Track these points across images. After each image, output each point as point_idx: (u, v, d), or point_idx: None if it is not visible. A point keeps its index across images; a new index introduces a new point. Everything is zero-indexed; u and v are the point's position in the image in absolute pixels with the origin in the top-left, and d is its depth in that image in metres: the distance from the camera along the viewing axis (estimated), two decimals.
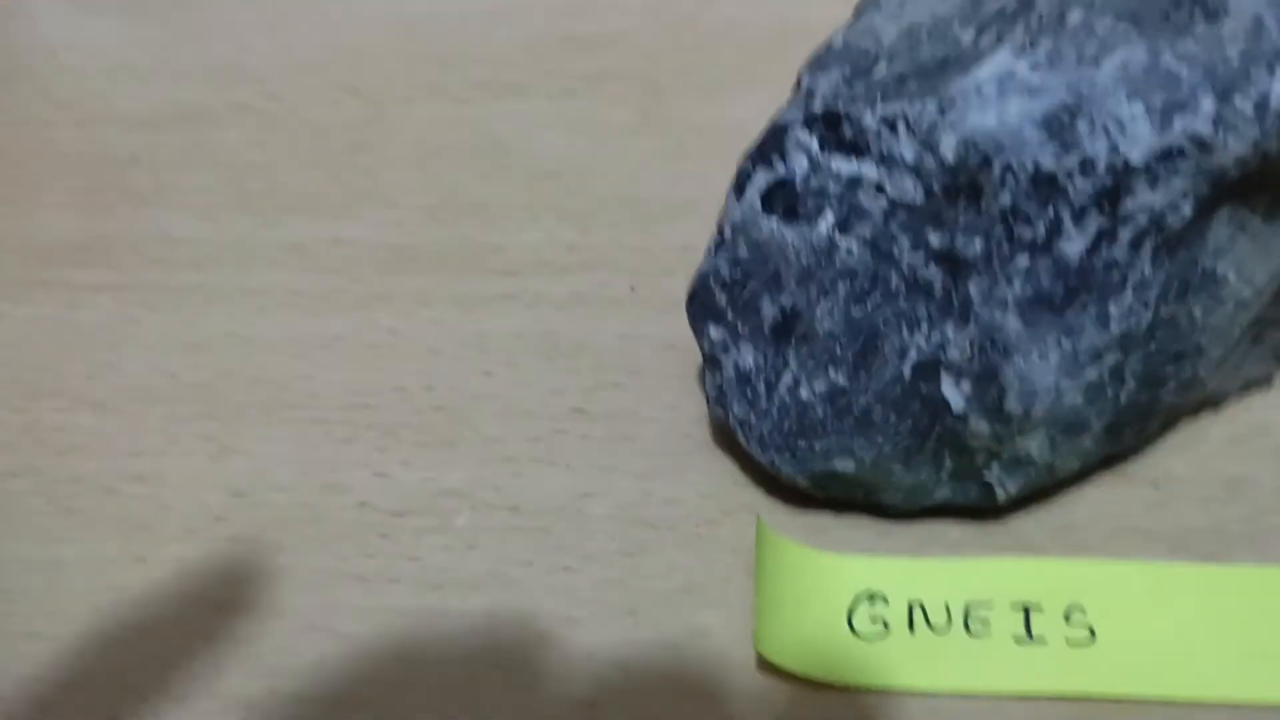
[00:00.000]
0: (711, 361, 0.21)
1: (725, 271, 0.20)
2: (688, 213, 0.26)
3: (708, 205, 0.26)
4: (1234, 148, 0.17)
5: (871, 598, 0.20)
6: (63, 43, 0.33)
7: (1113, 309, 0.18)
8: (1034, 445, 0.19)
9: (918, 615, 0.20)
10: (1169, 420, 0.21)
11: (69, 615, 0.21)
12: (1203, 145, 0.17)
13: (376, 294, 0.26)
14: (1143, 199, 0.17)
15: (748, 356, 0.20)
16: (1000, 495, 0.20)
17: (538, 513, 0.22)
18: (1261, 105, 0.17)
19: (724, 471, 0.22)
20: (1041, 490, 0.21)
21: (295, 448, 0.23)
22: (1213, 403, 0.22)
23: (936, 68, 0.18)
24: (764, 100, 0.29)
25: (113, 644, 0.21)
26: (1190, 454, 0.21)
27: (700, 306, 0.21)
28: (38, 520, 0.23)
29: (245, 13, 0.34)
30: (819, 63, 0.20)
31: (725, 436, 0.22)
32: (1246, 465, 0.21)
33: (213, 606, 0.21)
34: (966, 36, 0.19)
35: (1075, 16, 0.18)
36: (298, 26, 0.33)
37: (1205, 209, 0.17)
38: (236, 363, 0.25)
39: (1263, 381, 0.22)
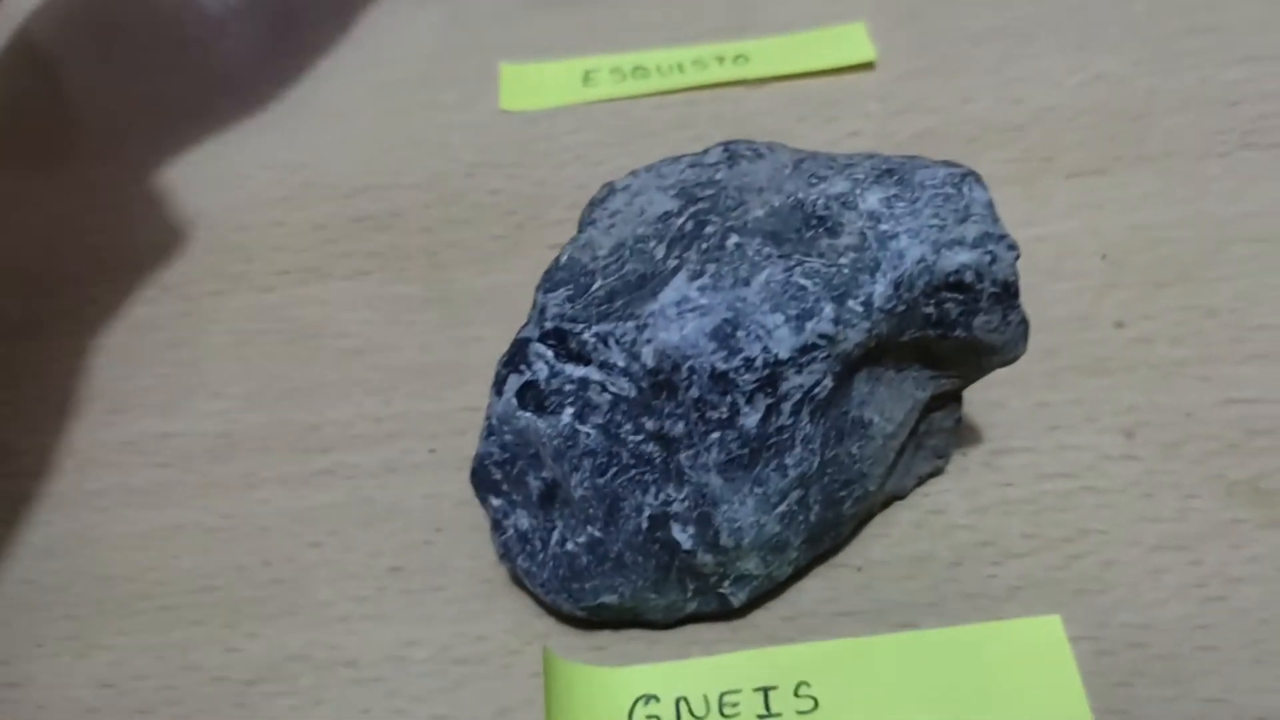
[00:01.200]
0: (496, 524, 0.25)
1: (496, 454, 0.25)
2: (473, 376, 0.31)
3: (487, 367, 0.31)
4: (852, 338, 0.22)
5: (646, 699, 0.25)
6: None
7: (788, 460, 0.23)
8: (750, 564, 0.24)
9: (683, 708, 0.25)
10: (865, 518, 0.27)
11: None
12: (830, 340, 0.22)
13: (209, 482, 0.30)
14: (794, 381, 0.22)
15: (524, 520, 0.25)
16: (734, 602, 0.25)
17: (371, 664, 0.26)
18: (868, 303, 0.22)
19: (521, 607, 0.27)
20: (769, 590, 0.26)
21: (151, 635, 0.27)
22: (899, 496, 0.27)
23: (637, 283, 0.23)
24: (528, 265, 0.34)
25: None
26: (885, 539, 0.27)
27: (480, 481, 0.25)
28: None
29: (45, 217, 0.36)
30: (550, 281, 0.25)
31: (519, 578, 0.27)
32: (926, 544, 0.27)
33: None
34: (659, 253, 0.24)
35: (732, 240, 0.23)
36: (99, 227, 0.36)
37: (844, 377, 0.23)
38: (87, 563, 0.28)
39: (934, 473, 0.28)
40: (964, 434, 0.28)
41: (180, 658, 0.27)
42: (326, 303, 0.33)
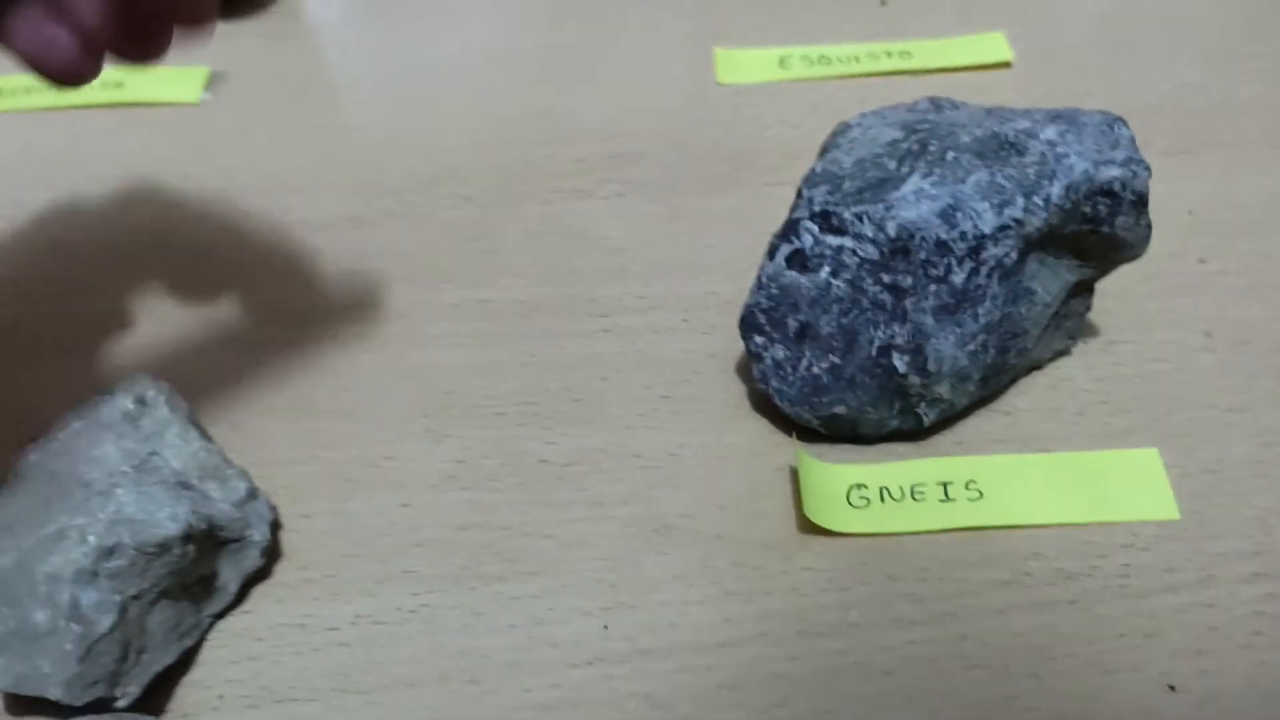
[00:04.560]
0: (756, 357, 0.35)
1: (763, 303, 0.35)
2: (710, 270, 0.41)
3: (721, 265, 0.41)
4: (1034, 224, 0.32)
5: (859, 486, 0.35)
6: (240, 166, 0.46)
7: (980, 310, 0.33)
8: (944, 389, 0.34)
9: (885, 494, 0.34)
10: (1014, 377, 0.37)
11: (365, 541, 0.34)
12: (1019, 223, 0.32)
13: (518, 333, 0.40)
14: (991, 251, 0.32)
15: (780, 352, 0.35)
16: (925, 421, 0.35)
17: (653, 457, 0.36)
18: (1046, 199, 0.32)
19: (762, 427, 0.37)
20: (947, 419, 0.36)
21: (489, 431, 0.37)
22: (1036, 366, 0.37)
23: (879, 184, 0.34)
24: (745, 195, 0.44)
25: (400, 551, 0.34)
26: (1027, 395, 0.37)
27: (748, 324, 0.35)
28: (329, 489, 0.36)
29: (372, 139, 0.47)
30: (810, 182, 0.35)
31: (760, 406, 0.37)
32: (1058, 400, 0.37)
33: (460, 527, 0.34)
34: (891, 165, 0.34)
35: (950, 155, 0.33)
36: (414, 152, 0.47)
37: (1023, 254, 0.33)
38: (435, 382, 0.38)
39: (1064, 351, 0.38)
40: (1086, 329, 0.38)
41: (513, 446, 0.37)
42: (592, 215, 0.44)
